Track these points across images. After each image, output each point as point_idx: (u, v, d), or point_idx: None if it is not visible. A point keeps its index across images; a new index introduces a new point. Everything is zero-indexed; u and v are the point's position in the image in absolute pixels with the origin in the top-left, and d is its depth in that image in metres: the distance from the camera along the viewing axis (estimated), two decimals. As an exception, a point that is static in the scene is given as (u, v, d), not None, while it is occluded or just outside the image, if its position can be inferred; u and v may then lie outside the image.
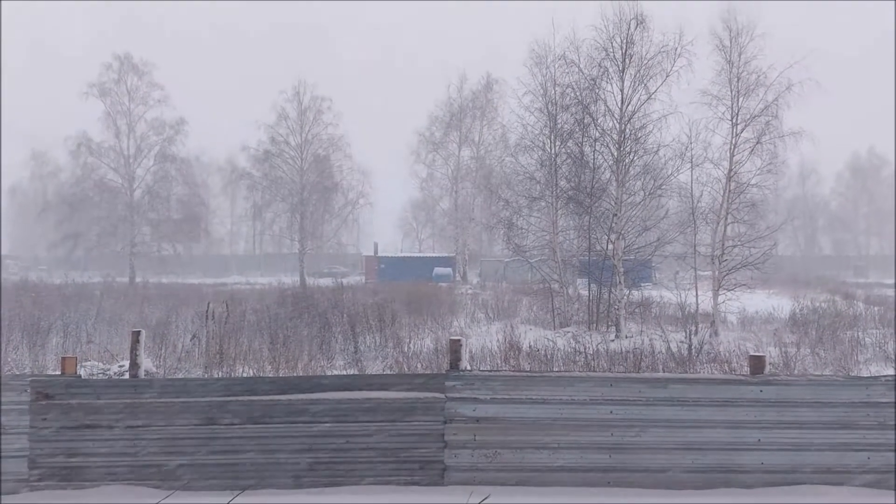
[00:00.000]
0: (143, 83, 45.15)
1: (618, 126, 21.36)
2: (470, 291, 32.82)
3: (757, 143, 20.78)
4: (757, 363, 7.27)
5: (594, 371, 11.05)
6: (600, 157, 22.41)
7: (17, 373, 11.52)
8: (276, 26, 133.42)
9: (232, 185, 63.53)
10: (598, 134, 22.15)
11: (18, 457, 6.99)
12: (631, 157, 21.29)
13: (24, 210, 69.43)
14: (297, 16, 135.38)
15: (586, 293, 22.51)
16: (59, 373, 7.51)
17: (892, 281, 43.68)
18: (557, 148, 23.49)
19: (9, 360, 13.10)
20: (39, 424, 7.02)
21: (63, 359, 7.50)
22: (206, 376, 11.97)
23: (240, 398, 7.10)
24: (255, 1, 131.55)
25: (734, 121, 20.86)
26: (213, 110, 77.71)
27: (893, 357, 14.23)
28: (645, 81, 21.05)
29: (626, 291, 20.73)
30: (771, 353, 13.13)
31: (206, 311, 14.84)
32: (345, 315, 18.19)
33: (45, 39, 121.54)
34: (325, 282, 36.58)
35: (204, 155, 64.01)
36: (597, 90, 21.80)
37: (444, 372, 7.42)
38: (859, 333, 16.88)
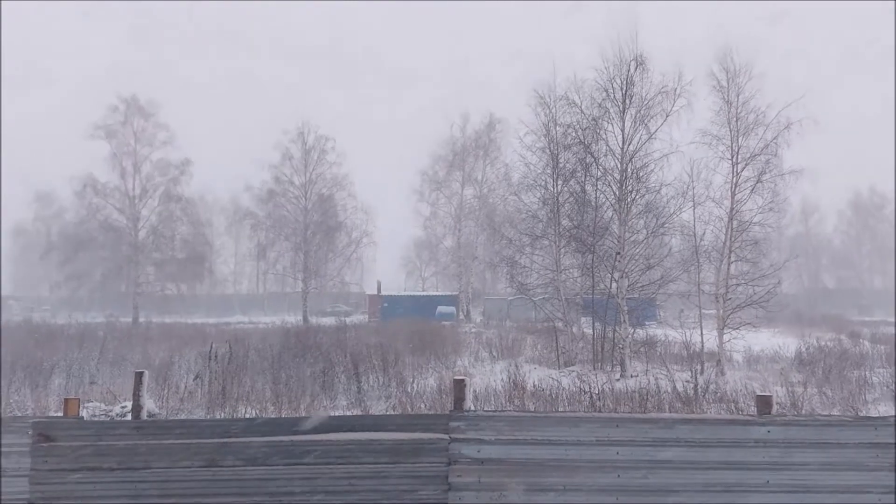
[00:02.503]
0: (149, 124, 45.78)
1: (619, 165, 21.52)
2: (473, 330, 32.69)
3: (758, 181, 20.90)
4: (764, 403, 7.21)
5: (600, 411, 10.96)
6: (602, 195, 22.56)
7: (19, 414, 11.46)
8: (281, 64, 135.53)
9: (236, 224, 63.88)
10: (600, 173, 22.32)
11: (19, 500, 6.91)
12: (633, 195, 21.41)
13: (27, 250, 69.70)
14: (302, 56, 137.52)
15: (590, 332, 22.42)
16: (60, 414, 7.46)
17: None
18: (560, 187, 23.64)
19: (11, 401, 13.04)
20: (40, 467, 6.95)
21: (66, 400, 7.46)
22: (208, 417, 11.91)
23: (242, 439, 7.03)
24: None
25: (734, 160, 21.02)
26: (218, 151, 78.56)
27: None
28: (646, 121, 21.29)
29: (630, 330, 20.66)
30: (778, 393, 13.01)
31: (209, 352, 14.83)
32: (348, 354, 18.13)
33: (51, 81, 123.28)
34: (329, 321, 36.50)
35: (208, 194, 64.70)
36: (598, 130, 22.04)
37: (447, 412, 7.36)
38: (866, 373, 16.75)
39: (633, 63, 21.19)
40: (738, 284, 20.98)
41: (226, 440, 7.03)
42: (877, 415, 11.25)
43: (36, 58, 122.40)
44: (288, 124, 58.02)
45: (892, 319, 43.11)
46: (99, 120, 44.95)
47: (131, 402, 7.63)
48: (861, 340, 25.43)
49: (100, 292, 45.91)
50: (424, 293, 54.74)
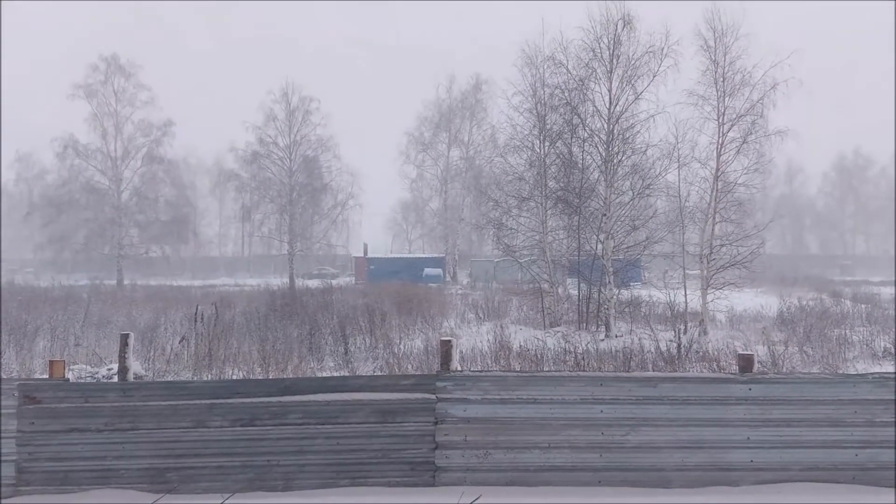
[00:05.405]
0: (129, 84, 44.98)
1: (606, 126, 21.43)
2: (460, 292, 32.84)
3: (743, 142, 20.87)
4: (746, 362, 7.32)
5: (584, 370, 11.07)
6: (589, 157, 22.49)
7: (5, 376, 11.42)
8: (263, 26, 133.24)
9: (220, 186, 63.30)
10: (586, 134, 22.22)
11: (6, 461, 6.93)
12: (619, 157, 21.36)
13: (10, 212, 68.89)
14: (284, 16, 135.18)
15: (576, 293, 22.55)
16: (46, 376, 7.45)
17: (878, 279, 44.02)
18: (546, 148, 23.50)
19: (-5, 363, 12.99)
20: (27, 428, 6.97)
21: (51, 362, 7.45)
22: (195, 379, 11.94)
23: (229, 400, 7.07)
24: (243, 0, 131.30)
25: (720, 120, 20.95)
26: (201, 112, 77.54)
27: (893, 354, 14.34)
28: (632, 82, 21.13)
29: (615, 291, 20.79)
30: (759, 352, 13.19)
31: (195, 314, 14.80)
32: (335, 316, 18.16)
33: (32, 41, 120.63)
34: (315, 283, 36.51)
35: (191, 156, 64.02)
36: (585, 91, 21.88)
37: (434, 373, 7.43)
38: (846, 331, 17.00)
39: (620, 22, 20.97)
40: (722, 245, 21.09)
41: (213, 401, 7.06)
42: (856, 372, 11.44)
43: (16, 14, 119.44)
44: (272, 84, 57.23)
45: (874, 279, 43.73)
46: (79, 79, 44.27)
47: (117, 365, 7.62)
48: (842, 300, 25.77)
49: (83, 254, 45.50)
50: (411, 255, 54.77)
